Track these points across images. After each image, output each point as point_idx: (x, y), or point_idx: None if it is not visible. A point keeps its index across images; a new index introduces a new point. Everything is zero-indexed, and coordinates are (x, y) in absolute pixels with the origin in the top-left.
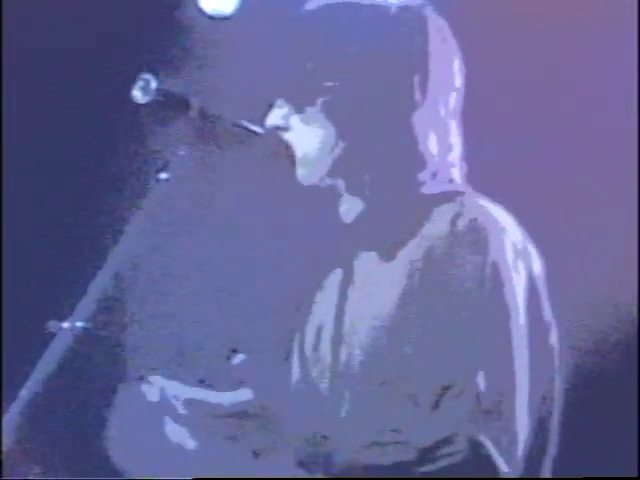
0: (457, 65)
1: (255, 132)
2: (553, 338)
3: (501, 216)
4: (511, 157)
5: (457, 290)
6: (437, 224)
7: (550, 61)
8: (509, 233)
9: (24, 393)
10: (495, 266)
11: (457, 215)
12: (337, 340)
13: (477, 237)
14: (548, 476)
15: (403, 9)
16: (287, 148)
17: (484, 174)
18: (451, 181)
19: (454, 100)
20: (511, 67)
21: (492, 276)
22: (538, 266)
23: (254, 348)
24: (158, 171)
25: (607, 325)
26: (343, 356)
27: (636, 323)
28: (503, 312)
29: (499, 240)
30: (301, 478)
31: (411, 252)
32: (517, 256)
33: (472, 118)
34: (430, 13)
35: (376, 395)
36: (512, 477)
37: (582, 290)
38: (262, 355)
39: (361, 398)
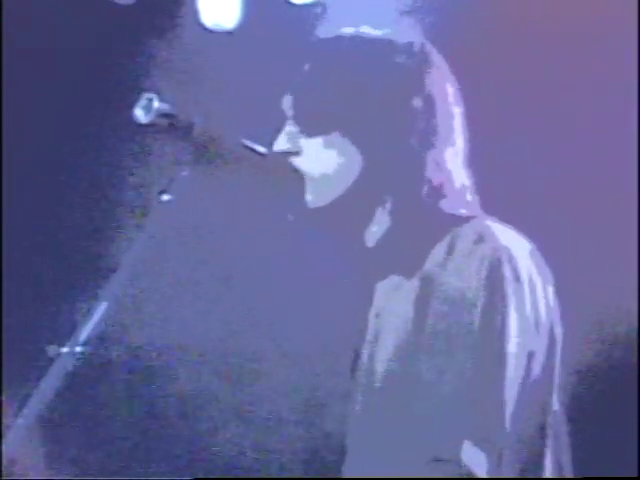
0: (456, 94)
1: (260, 153)
2: (557, 355)
3: (514, 243)
4: (511, 167)
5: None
6: (448, 247)
7: (550, 64)
8: (522, 260)
9: (21, 421)
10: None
11: (471, 239)
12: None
13: (492, 266)
14: (549, 476)
15: (408, 44)
16: (295, 171)
17: (485, 182)
18: (465, 202)
19: (461, 124)
20: (510, 71)
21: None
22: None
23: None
24: (160, 193)
25: (607, 327)
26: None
27: (636, 326)
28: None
29: (514, 268)
30: (302, 478)
31: (424, 276)
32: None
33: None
34: (431, 49)
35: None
36: (514, 477)
37: (582, 300)
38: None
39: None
